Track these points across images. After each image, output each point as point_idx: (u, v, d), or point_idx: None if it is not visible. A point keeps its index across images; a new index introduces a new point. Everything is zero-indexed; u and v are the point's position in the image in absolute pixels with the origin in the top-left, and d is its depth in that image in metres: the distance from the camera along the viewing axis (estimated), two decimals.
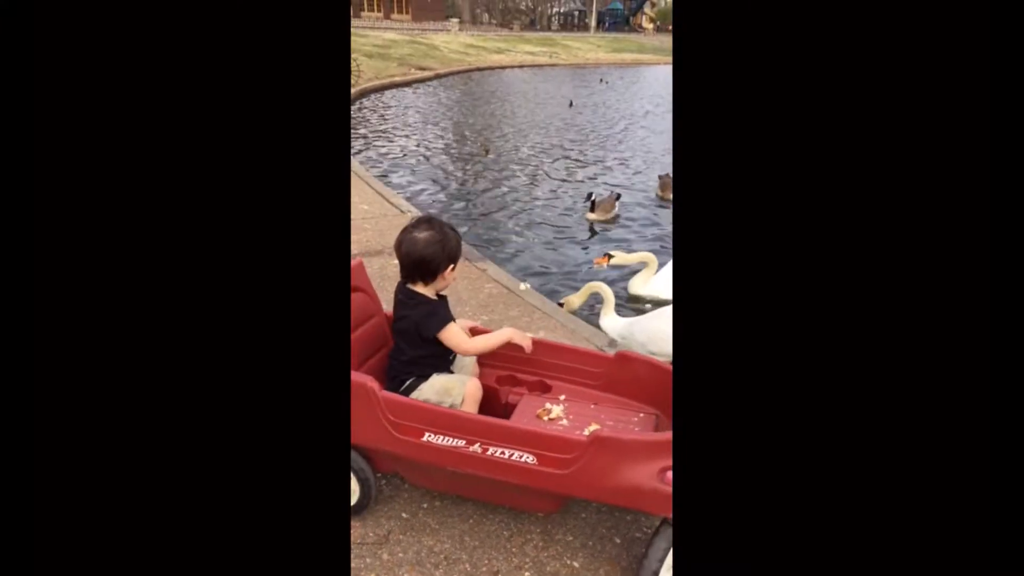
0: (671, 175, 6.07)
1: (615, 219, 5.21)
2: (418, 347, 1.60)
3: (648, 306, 3.54)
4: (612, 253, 3.53)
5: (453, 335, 1.59)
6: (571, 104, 12.07)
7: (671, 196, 5.76)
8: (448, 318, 1.60)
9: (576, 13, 51.41)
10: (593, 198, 5.17)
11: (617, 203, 5.26)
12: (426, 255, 1.55)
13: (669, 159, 7.79)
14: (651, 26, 50.05)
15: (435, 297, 1.63)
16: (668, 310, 2.83)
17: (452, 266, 1.60)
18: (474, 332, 1.81)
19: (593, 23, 46.54)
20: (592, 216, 5.13)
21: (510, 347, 1.80)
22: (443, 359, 1.66)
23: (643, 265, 3.52)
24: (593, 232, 5.00)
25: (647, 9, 50.70)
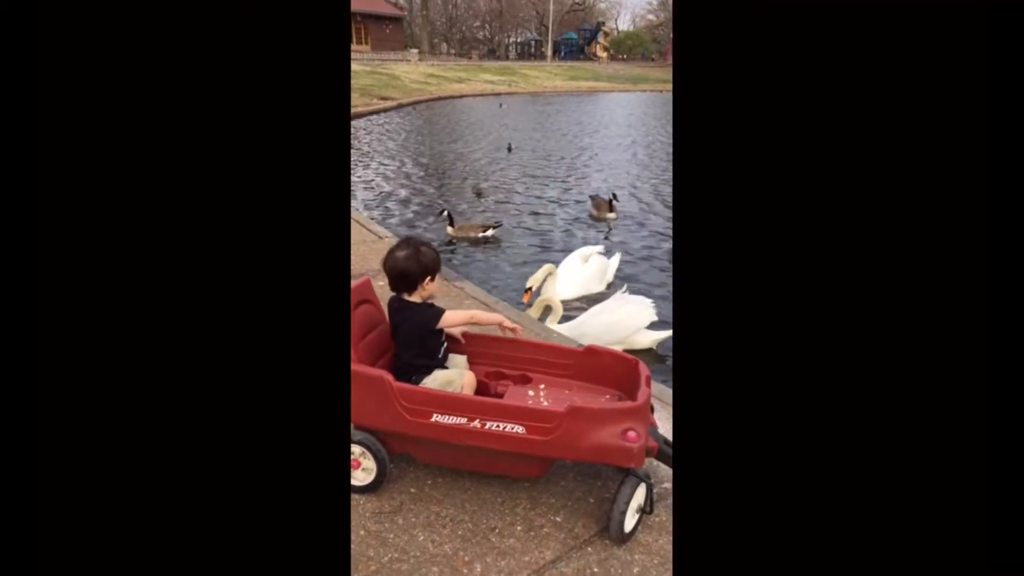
0: (600, 196, 6.76)
1: (480, 240, 5.61)
2: (414, 348, 1.94)
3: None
4: (528, 285, 3.92)
5: (451, 315, 1.95)
6: (509, 149, 10.72)
7: (600, 215, 6.44)
8: (441, 310, 1.96)
9: (533, 43, 52.91)
10: (448, 213, 5.74)
11: (491, 231, 5.64)
12: (405, 269, 1.91)
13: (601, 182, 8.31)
14: (605, 55, 51.89)
15: (424, 303, 1.98)
16: (605, 305, 3.49)
17: (430, 278, 1.93)
18: (464, 336, 2.14)
19: (549, 52, 47.97)
20: (451, 231, 5.66)
21: (495, 347, 2.14)
22: (435, 359, 1.98)
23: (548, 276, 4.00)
24: (451, 243, 5.55)
25: (601, 39, 52.61)
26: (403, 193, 7.65)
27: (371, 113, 16.67)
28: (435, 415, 1.72)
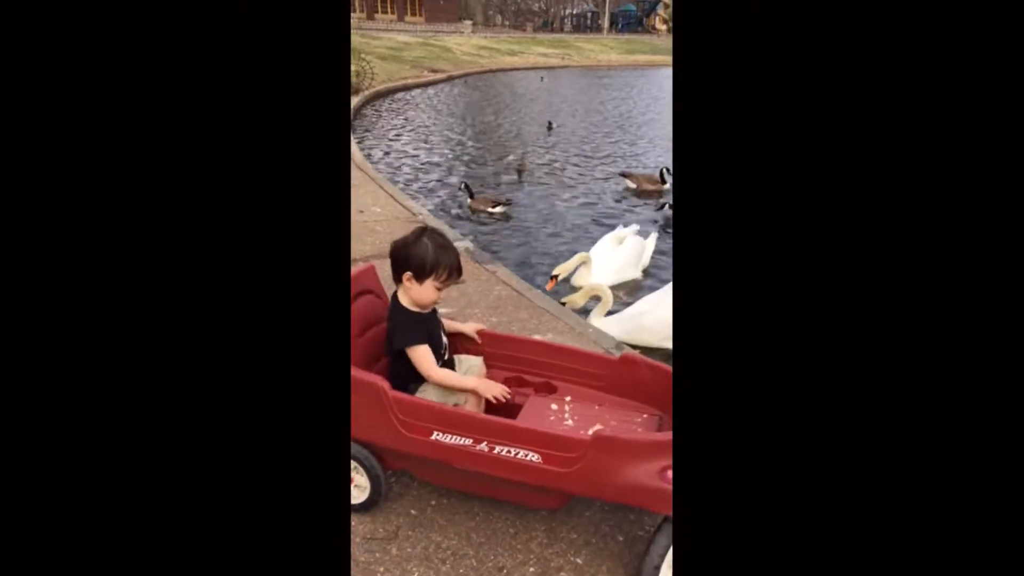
0: (628, 171, 6.72)
1: (494, 216, 5.44)
2: (399, 359, 1.63)
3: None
4: (555, 272, 3.65)
5: (421, 357, 1.59)
6: (550, 127, 10.04)
7: (637, 187, 6.29)
8: (419, 339, 1.60)
9: (589, 15, 51.37)
10: (467, 186, 5.70)
11: (500, 208, 5.47)
12: (392, 253, 1.62)
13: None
14: (664, 27, 49.90)
15: (416, 310, 1.64)
16: (662, 296, 3.09)
17: (412, 274, 1.58)
18: (481, 335, 1.86)
19: (606, 25, 46.49)
20: (470, 203, 5.57)
21: (517, 348, 1.85)
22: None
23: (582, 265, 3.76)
24: (470, 217, 5.45)
25: (660, 11, 50.56)
26: (443, 167, 7.38)
27: (420, 85, 16.44)
28: (436, 433, 1.45)
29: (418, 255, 1.59)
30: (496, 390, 1.59)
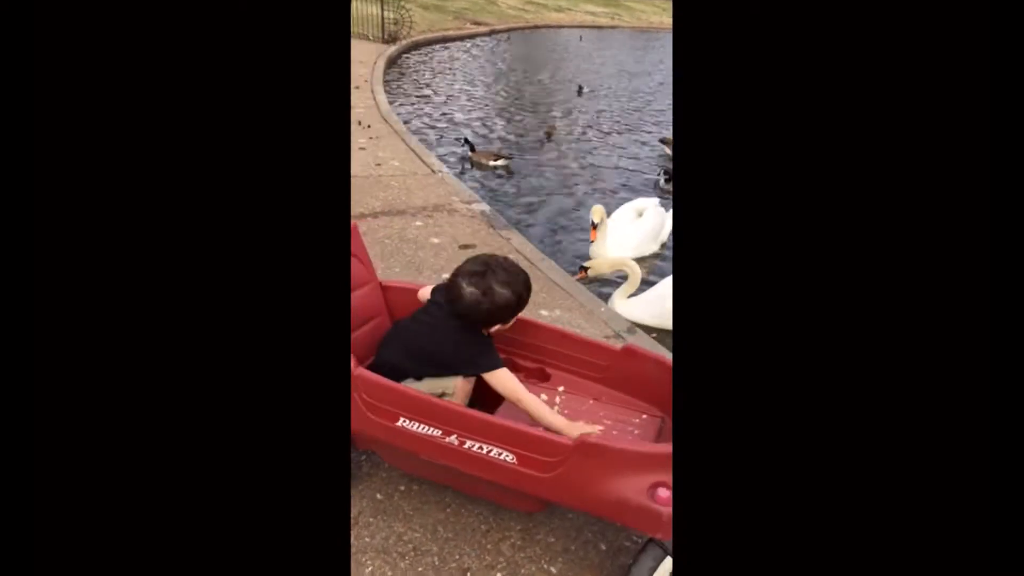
0: (667, 137, 6.42)
1: (493, 169, 5.39)
2: (428, 367, 1.45)
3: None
4: (591, 218, 3.51)
5: (507, 381, 1.38)
6: (580, 91, 9.48)
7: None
8: (499, 361, 1.41)
9: None
10: (467, 140, 5.66)
11: (502, 161, 5.41)
12: (469, 312, 1.39)
13: None
14: None
15: (485, 334, 1.48)
16: None
17: (499, 326, 1.46)
18: None
19: None
20: (472, 156, 5.50)
21: (513, 327, 1.67)
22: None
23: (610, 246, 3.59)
24: (464, 170, 5.37)
25: None
26: (470, 125, 7.12)
27: (460, 38, 15.95)
28: (402, 419, 1.29)
29: (499, 308, 1.39)
30: (585, 428, 1.33)
